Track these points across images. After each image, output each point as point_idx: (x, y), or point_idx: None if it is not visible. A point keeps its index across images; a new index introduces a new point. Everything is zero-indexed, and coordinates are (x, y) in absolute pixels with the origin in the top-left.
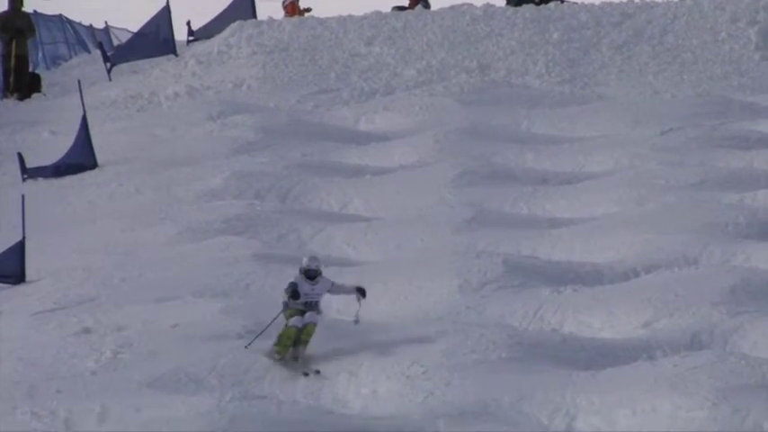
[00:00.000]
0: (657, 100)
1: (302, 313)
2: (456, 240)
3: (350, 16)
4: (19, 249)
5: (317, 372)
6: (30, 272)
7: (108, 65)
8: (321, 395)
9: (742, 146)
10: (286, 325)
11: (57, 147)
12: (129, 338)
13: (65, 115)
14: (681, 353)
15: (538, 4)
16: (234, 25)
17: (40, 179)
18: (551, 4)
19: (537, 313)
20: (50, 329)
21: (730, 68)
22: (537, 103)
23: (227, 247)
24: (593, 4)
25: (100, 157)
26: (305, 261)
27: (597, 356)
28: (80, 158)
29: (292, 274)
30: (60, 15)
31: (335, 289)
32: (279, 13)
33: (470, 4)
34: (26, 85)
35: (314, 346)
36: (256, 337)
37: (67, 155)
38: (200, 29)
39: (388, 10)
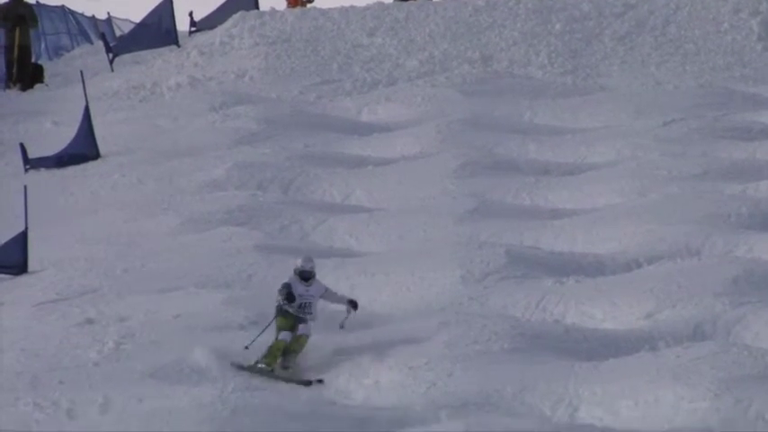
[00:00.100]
0: (660, 91)
1: (295, 321)
2: (458, 231)
3: (352, 7)
4: (21, 240)
5: (320, 381)
6: (32, 262)
7: (110, 55)
8: (323, 386)
9: (744, 137)
10: (276, 337)
11: (59, 137)
12: (132, 329)
13: (67, 106)
14: (683, 344)
15: None
16: (236, 16)
17: (43, 169)
18: None
19: (539, 304)
20: (53, 320)
21: (732, 59)
22: (539, 93)
23: (230, 237)
24: None
25: (102, 148)
26: (299, 262)
27: (600, 347)
28: (82, 149)
29: (287, 275)
30: (63, 6)
31: (328, 295)
32: (281, 4)
33: None
34: (29, 75)
35: (316, 339)
36: (256, 338)
37: (70, 145)
38: (202, 19)
39: (391, 1)
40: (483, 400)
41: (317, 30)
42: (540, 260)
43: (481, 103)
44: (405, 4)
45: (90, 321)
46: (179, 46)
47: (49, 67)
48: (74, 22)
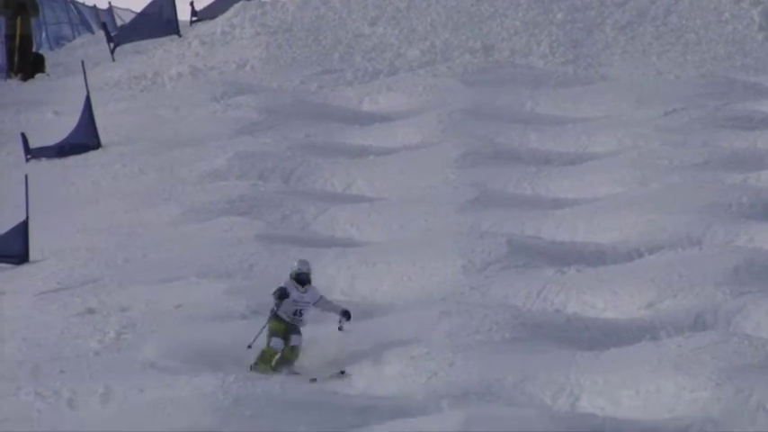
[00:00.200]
0: (661, 80)
1: (287, 328)
2: (460, 221)
3: None
4: (22, 229)
5: (313, 380)
6: (33, 252)
7: (111, 45)
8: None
9: (745, 126)
10: (268, 344)
11: (60, 127)
12: (133, 319)
13: (68, 95)
14: (684, 333)
15: None
16: (237, 5)
17: (44, 159)
18: None
19: (540, 294)
20: (54, 310)
21: (734, 49)
22: (541, 83)
23: (231, 227)
24: None
25: (103, 138)
26: (296, 265)
27: (601, 337)
28: (84, 139)
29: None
30: None
31: (322, 303)
32: None
33: None
34: (30, 65)
35: (316, 331)
36: (256, 338)
37: (71, 135)
38: (203, 9)
39: None
40: (484, 390)
41: (318, 19)
42: (541, 250)
43: (482, 92)
44: None
45: (91, 311)
46: (180, 36)
47: (50, 57)
48: (75, 11)
